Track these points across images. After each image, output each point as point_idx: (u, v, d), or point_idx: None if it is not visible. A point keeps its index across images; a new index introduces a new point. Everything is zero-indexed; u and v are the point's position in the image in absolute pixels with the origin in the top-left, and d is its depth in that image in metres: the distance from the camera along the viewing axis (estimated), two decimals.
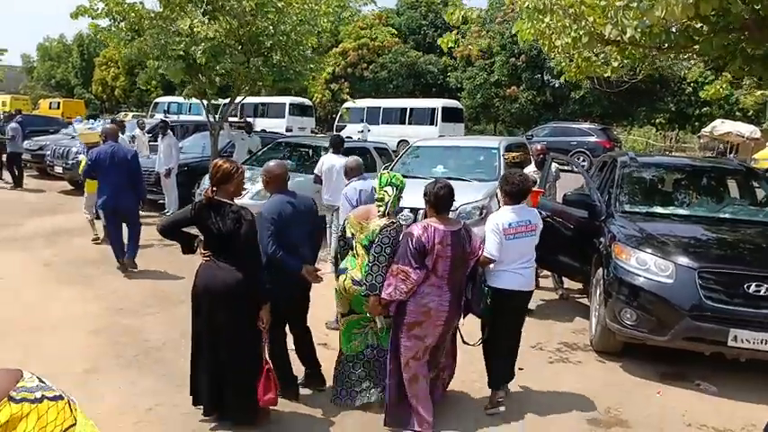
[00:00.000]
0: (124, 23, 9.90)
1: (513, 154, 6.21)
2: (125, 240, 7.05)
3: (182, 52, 8.85)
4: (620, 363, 4.84)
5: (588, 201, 5.80)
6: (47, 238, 8.64)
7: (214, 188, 3.44)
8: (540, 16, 5.46)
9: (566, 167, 9.04)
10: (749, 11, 4.77)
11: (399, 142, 20.12)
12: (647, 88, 25.73)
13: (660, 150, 25.55)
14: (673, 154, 21.30)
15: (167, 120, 12.72)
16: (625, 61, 6.05)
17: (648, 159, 6.61)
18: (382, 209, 3.67)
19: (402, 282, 3.40)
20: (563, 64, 6.48)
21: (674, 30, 5.49)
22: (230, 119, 25.13)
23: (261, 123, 24.48)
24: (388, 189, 3.68)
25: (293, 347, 4.15)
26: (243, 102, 27.16)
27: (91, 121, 13.40)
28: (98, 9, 9.45)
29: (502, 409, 3.91)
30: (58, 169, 12.67)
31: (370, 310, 3.61)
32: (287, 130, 22.69)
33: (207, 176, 7.44)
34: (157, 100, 30.57)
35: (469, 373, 4.39)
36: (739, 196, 5.82)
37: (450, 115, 23.41)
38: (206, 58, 8.84)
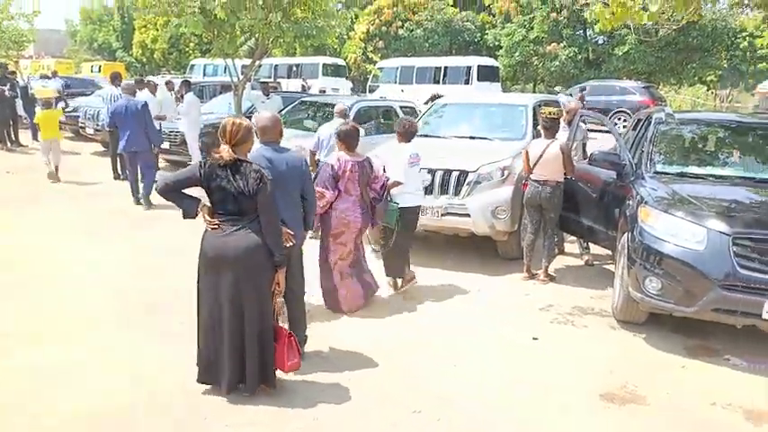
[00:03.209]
0: None
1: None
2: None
3: (197, 8, 8.61)
4: (644, 334, 4.52)
5: (616, 160, 5.38)
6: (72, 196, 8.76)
7: (233, 147, 3.25)
8: None
9: (603, 128, 8.51)
10: None
11: (431, 97, 19.39)
12: (698, 43, 24.17)
13: (710, 110, 24.12)
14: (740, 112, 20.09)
15: (189, 79, 12.61)
16: (666, 6, 5.50)
17: (686, 116, 6.10)
18: None
19: (318, 200, 4.33)
20: (596, 11, 5.94)
21: None
22: (263, 80, 25.07)
23: (294, 84, 24.22)
24: None
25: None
26: (276, 63, 27.34)
27: (45, 79, 16.52)
28: None
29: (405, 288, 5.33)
30: (90, 131, 12.80)
31: None
32: (320, 91, 22.38)
33: None
34: (194, 62, 30.58)
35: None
36: None
37: (487, 74, 22.59)
38: (225, 14, 8.61)
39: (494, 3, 29.10)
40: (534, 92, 28.44)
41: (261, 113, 3.96)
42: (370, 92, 24.62)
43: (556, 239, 6.75)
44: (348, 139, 4.72)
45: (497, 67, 24.24)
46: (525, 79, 29.00)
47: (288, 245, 3.75)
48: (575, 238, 6.63)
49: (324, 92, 21.31)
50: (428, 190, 6.12)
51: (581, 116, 6.33)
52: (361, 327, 4.64)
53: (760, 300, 3.75)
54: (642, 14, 5.54)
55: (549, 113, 5.62)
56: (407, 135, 5.25)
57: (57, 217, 7.68)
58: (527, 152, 5.64)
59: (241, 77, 10.55)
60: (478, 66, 22.65)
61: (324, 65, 26.21)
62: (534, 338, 4.47)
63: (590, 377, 3.85)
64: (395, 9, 30.43)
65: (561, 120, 6.74)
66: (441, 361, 4.05)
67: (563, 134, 6.41)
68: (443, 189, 6.11)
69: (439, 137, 7.30)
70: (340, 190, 4.66)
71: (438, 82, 23.22)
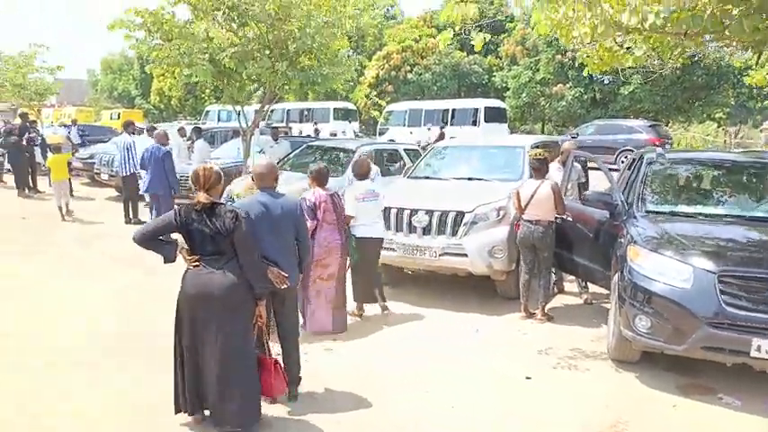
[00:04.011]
0: (159, 34, 10.18)
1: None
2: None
3: (206, 59, 9.00)
4: (637, 373, 4.52)
5: (609, 200, 5.47)
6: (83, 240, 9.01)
7: (207, 191, 3.45)
8: (555, 6, 5.19)
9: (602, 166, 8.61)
10: None
11: (439, 136, 19.57)
12: (703, 81, 24.35)
13: (719, 147, 24.13)
14: (733, 151, 20.09)
15: (200, 126, 13.04)
16: (651, 51, 5.67)
17: (678, 155, 6.19)
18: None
19: None
20: (585, 56, 6.15)
21: (703, 14, 5.09)
22: (275, 124, 25.61)
23: (306, 128, 24.75)
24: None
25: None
26: (289, 108, 28.08)
27: (56, 127, 18.36)
28: (135, 22, 9.78)
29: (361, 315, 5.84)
30: (104, 176, 13.19)
31: None
32: (331, 134, 22.86)
33: (235, 181, 7.57)
34: (209, 108, 31.47)
35: None
36: None
37: (494, 115, 22.95)
38: (233, 64, 8.99)
39: (501, 46, 29.80)
40: (543, 131, 28.72)
41: (258, 161, 4.16)
42: (379, 134, 25.05)
43: (555, 278, 6.81)
44: (319, 177, 5.34)
45: (504, 109, 24.62)
46: (533, 120, 29.36)
47: (282, 287, 3.88)
48: (574, 277, 6.66)
49: (335, 135, 21.82)
50: (426, 230, 6.27)
51: (574, 157, 6.46)
52: (354, 363, 4.71)
53: (747, 338, 3.77)
54: (628, 58, 5.72)
55: (537, 155, 5.77)
56: (361, 173, 5.89)
57: (68, 257, 7.90)
58: (518, 193, 5.76)
59: (250, 123, 10.88)
60: (485, 107, 23.04)
61: (334, 109, 26.86)
62: (527, 377, 4.49)
63: (582, 414, 3.87)
64: (403, 54, 31.22)
65: (556, 161, 6.90)
66: (435, 397, 4.11)
67: (558, 174, 6.54)
68: (441, 230, 6.23)
69: (439, 178, 7.47)
70: (319, 220, 5.26)
71: (446, 124, 23.61)
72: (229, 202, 4.71)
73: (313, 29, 9.36)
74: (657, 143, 18.24)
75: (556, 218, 5.80)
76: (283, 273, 3.86)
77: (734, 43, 6.80)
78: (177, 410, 3.59)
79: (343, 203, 5.50)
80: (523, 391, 4.25)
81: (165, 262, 3.56)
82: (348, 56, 11.06)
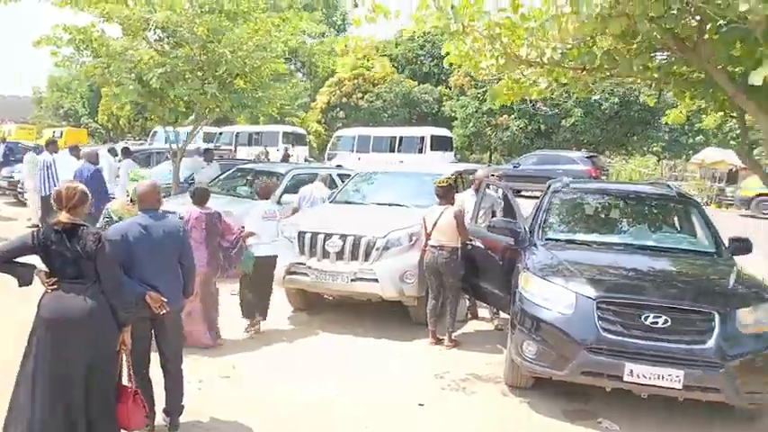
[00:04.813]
0: (88, 51, 9.97)
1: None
2: None
3: (132, 79, 8.86)
4: (528, 399, 4.56)
5: (514, 227, 5.58)
6: None
7: (69, 211, 3.32)
8: (461, 38, 5.33)
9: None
10: (661, 30, 4.60)
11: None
12: (639, 116, 25.55)
13: (656, 179, 25.17)
14: (669, 182, 20.94)
15: (129, 147, 12.79)
16: (554, 83, 5.88)
17: (584, 185, 6.41)
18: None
19: None
20: (495, 88, 6.33)
21: (598, 51, 5.32)
22: (224, 147, 25.21)
23: (254, 152, 24.54)
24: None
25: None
26: (238, 131, 27.85)
27: None
28: (62, 38, 9.55)
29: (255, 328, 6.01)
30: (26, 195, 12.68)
31: None
32: (283, 159, 22.72)
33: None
34: (156, 129, 30.91)
35: None
36: (670, 223, 5.58)
37: (439, 143, 23.34)
38: (159, 84, 8.86)
39: (451, 77, 30.47)
40: (490, 161, 29.33)
41: (141, 181, 4.05)
42: (328, 159, 25.08)
43: (469, 304, 6.87)
44: (195, 196, 5.61)
45: (450, 137, 25.08)
46: (481, 149, 29.99)
47: (161, 312, 3.76)
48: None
49: (288, 158, 21.73)
50: (339, 256, 6.23)
51: (486, 184, 6.59)
52: (249, 391, 4.59)
53: (620, 363, 3.86)
54: (534, 90, 5.91)
55: (442, 182, 5.86)
56: (263, 194, 6.29)
57: None
58: (424, 219, 5.82)
59: (180, 145, 10.71)
60: (432, 136, 23.43)
61: (284, 133, 26.76)
62: (420, 404, 4.47)
63: None
64: (355, 81, 31.54)
65: (471, 188, 7.02)
66: (328, 425, 4.01)
67: (471, 201, 6.66)
68: (354, 255, 6.21)
69: (360, 203, 7.48)
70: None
71: (393, 151, 23.88)
72: (106, 220, 4.58)
73: (244, 52, 9.34)
74: (594, 174, 18.95)
75: (465, 244, 5.87)
76: (162, 297, 3.75)
77: (638, 81, 7.14)
78: None
79: (227, 224, 5.65)
80: (412, 421, 4.22)
81: (19, 285, 3.38)
82: (287, 80, 10.95)
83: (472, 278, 6.08)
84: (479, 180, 6.72)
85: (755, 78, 3.51)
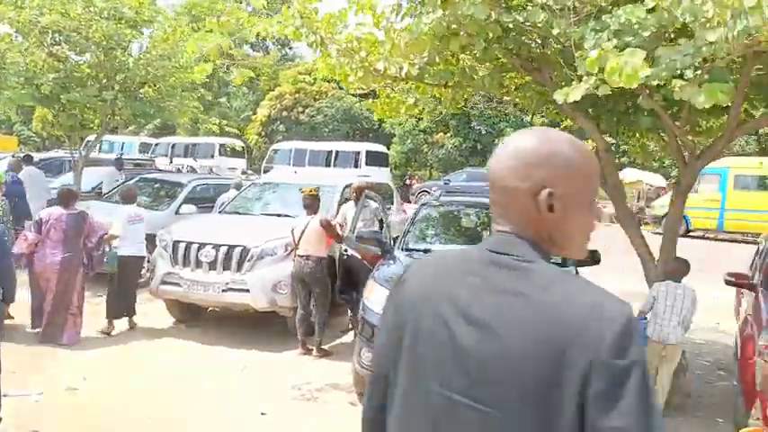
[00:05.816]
0: None
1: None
2: None
3: (21, 82, 8.61)
4: None
5: (381, 238, 5.67)
6: None
7: None
8: (324, 50, 5.41)
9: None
10: (502, 51, 4.79)
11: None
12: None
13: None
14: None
15: (30, 154, 12.37)
16: (421, 99, 6.03)
17: (451, 198, 6.57)
18: None
19: (23, 242, 5.60)
20: (370, 101, 6.46)
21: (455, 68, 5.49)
22: (157, 158, 24.64)
23: (190, 164, 24.11)
24: None
25: None
26: (174, 142, 27.31)
27: None
28: None
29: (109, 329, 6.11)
30: None
31: None
32: (210, 170, 22.37)
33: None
34: (89, 138, 29.96)
35: None
36: None
37: (375, 159, 23.50)
38: (49, 89, 8.63)
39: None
40: (430, 177, 29.73)
41: None
42: (264, 172, 24.86)
43: (351, 315, 6.89)
44: (61, 197, 5.89)
45: (386, 153, 25.32)
46: (418, 165, 30.39)
47: None
48: None
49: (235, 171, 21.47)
50: (212, 266, 6.16)
51: (365, 196, 6.67)
52: (90, 405, 4.45)
53: None
54: (403, 105, 6.05)
55: (309, 191, 5.91)
56: (126, 198, 6.53)
57: None
58: (293, 229, 5.84)
59: (83, 153, 10.44)
60: (367, 151, 23.59)
61: (220, 145, 26.43)
62: (262, 413, 4.44)
63: None
64: (296, 95, 31.53)
65: (351, 199, 7.09)
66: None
67: (351, 211, 6.72)
68: (226, 265, 6.15)
69: (247, 214, 7.45)
70: (42, 235, 5.59)
71: (329, 165, 23.91)
72: None
73: (145, 60, 9.22)
74: None
75: (342, 254, 5.92)
76: None
77: (509, 98, 7.40)
78: None
79: (93, 225, 5.86)
80: (252, 427, 4.19)
81: None
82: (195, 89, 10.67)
83: (350, 288, 6.13)
84: (358, 190, 6.79)
85: (557, 96, 3.70)
